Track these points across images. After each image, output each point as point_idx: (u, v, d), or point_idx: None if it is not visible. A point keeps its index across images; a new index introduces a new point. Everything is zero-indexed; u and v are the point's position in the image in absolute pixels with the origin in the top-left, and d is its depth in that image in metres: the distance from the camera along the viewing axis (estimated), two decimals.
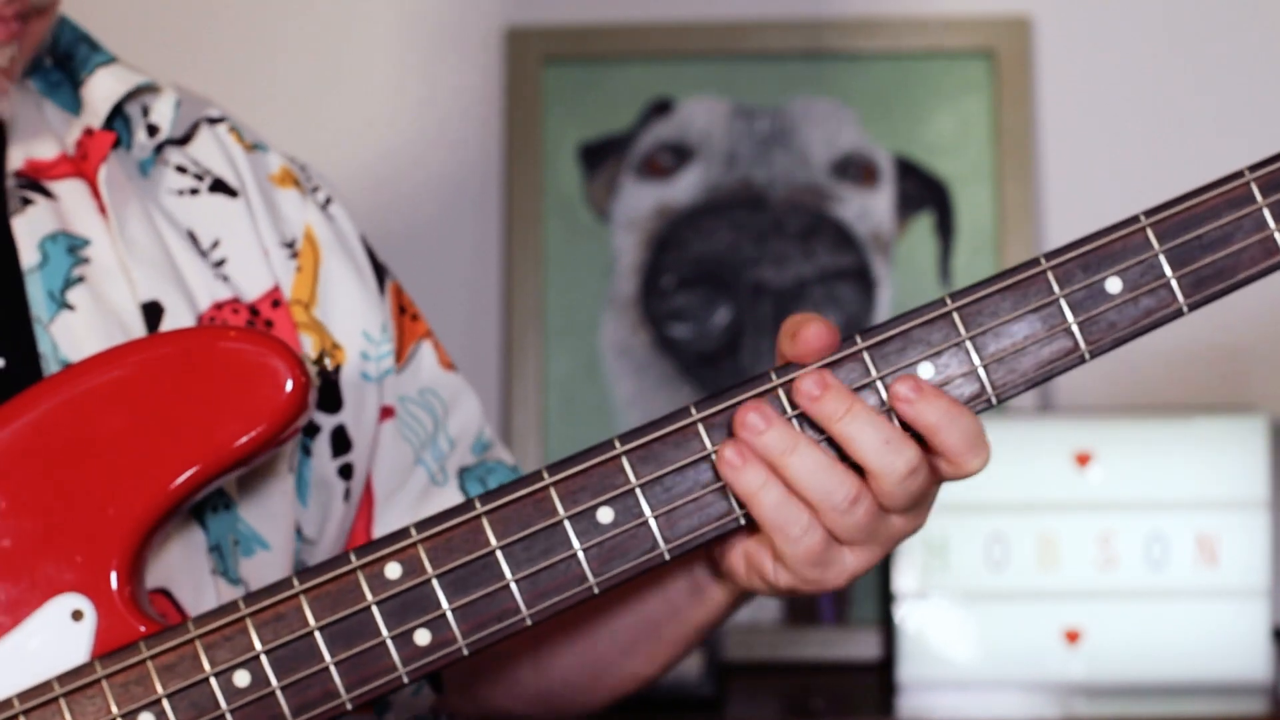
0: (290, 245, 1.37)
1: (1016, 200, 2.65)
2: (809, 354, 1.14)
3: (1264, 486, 2.46)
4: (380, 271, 1.42)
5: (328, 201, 1.41)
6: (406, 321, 1.42)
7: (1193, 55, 2.66)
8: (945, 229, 2.67)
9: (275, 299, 1.34)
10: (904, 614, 2.48)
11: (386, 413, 1.39)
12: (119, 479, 1.17)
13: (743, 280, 2.66)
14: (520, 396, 2.65)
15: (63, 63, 1.35)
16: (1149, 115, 2.66)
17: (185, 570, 1.24)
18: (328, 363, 1.28)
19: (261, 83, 2.69)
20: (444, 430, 1.41)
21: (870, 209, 2.67)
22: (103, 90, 1.32)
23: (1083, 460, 2.48)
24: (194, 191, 1.35)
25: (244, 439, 1.17)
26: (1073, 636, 2.47)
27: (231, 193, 1.36)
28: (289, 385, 1.17)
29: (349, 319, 1.37)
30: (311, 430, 1.35)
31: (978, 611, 2.47)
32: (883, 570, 2.58)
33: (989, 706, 2.43)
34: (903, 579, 2.48)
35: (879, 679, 2.54)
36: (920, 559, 2.48)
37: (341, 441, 1.37)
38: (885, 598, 2.57)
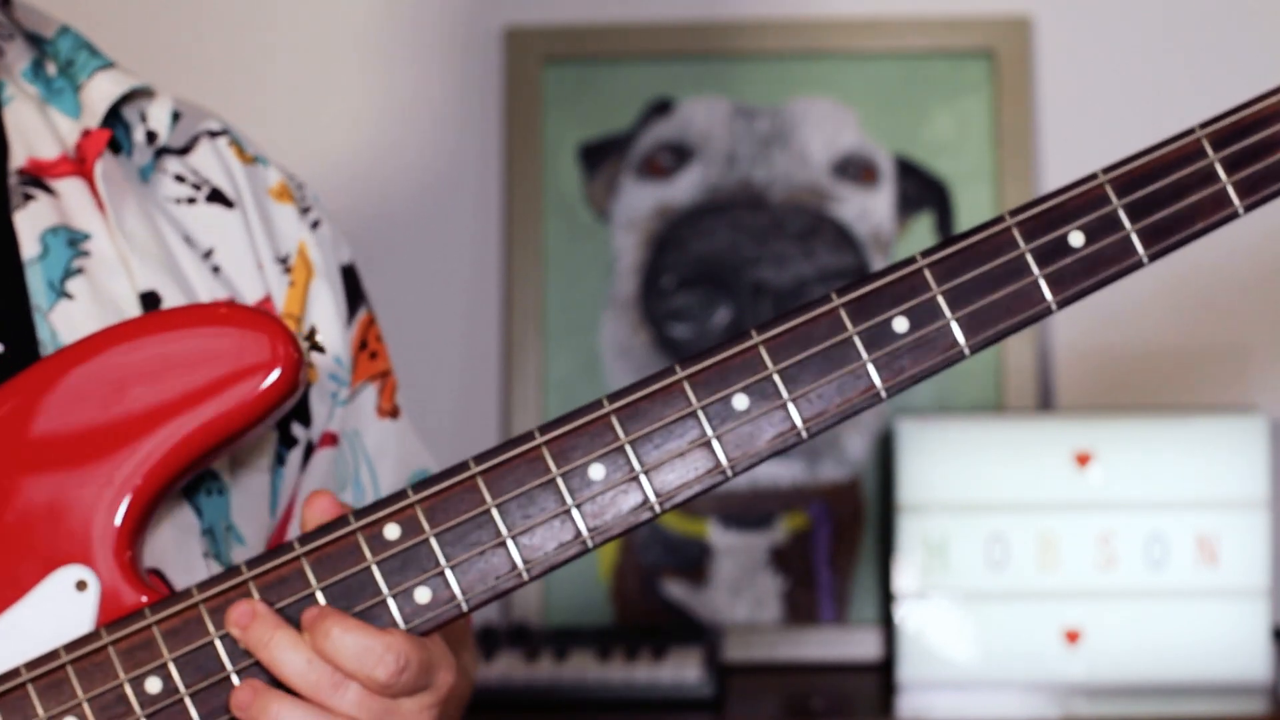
0: (284, 260, 1.39)
1: (1016, 200, 2.64)
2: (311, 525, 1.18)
3: (1264, 486, 2.46)
4: (356, 301, 1.44)
5: (316, 224, 1.42)
6: (364, 359, 1.44)
7: (1193, 55, 2.66)
8: (945, 229, 2.67)
9: (266, 310, 1.35)
10: (904, 614, 2.48)
11: (330, 439, 1.40)
12: (120, 451, 1.19)
13: (743, 280, 2.66)
14: (520, 396, 2.65)
15: (65, 70, 1.37)
16: (1149, 115, 2.66)
17: (178, 552, 1.26)
18: (320, 339, 1.30)
19: (260, 83, 2.69)
20: (367, 476, 1.43)
21: (870, 209, 2.68)
22: (100, 92, 1.34)
23: (1083, 460, 2.48)
24: (191, 200, 1.37)
25: (240, 409, 1.19)
26: (1073, 636, 2.47)
27: (228, 203, 1.38)
28: (282, 359, 1.19)
29: (325, 340, 1.39)
30: (290, 442, 1.37)
31: (978, 611, 2.47)
32: (883, 570, 2.59)
33: (989, 706, 2.43)
34: (903, 579, 2.48)
35: (879, 679, 2.54)
36: (920, 559, 2.48)
37: (308, 456, 1.39)
38: (885, 598, 2.57)
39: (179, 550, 1.26)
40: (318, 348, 1.24)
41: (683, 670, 2.42)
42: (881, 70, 2.69)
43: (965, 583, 2.47)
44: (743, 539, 2.66)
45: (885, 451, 2.59)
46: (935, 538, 2.47)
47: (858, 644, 2.61)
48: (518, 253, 2.67)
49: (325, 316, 1.39)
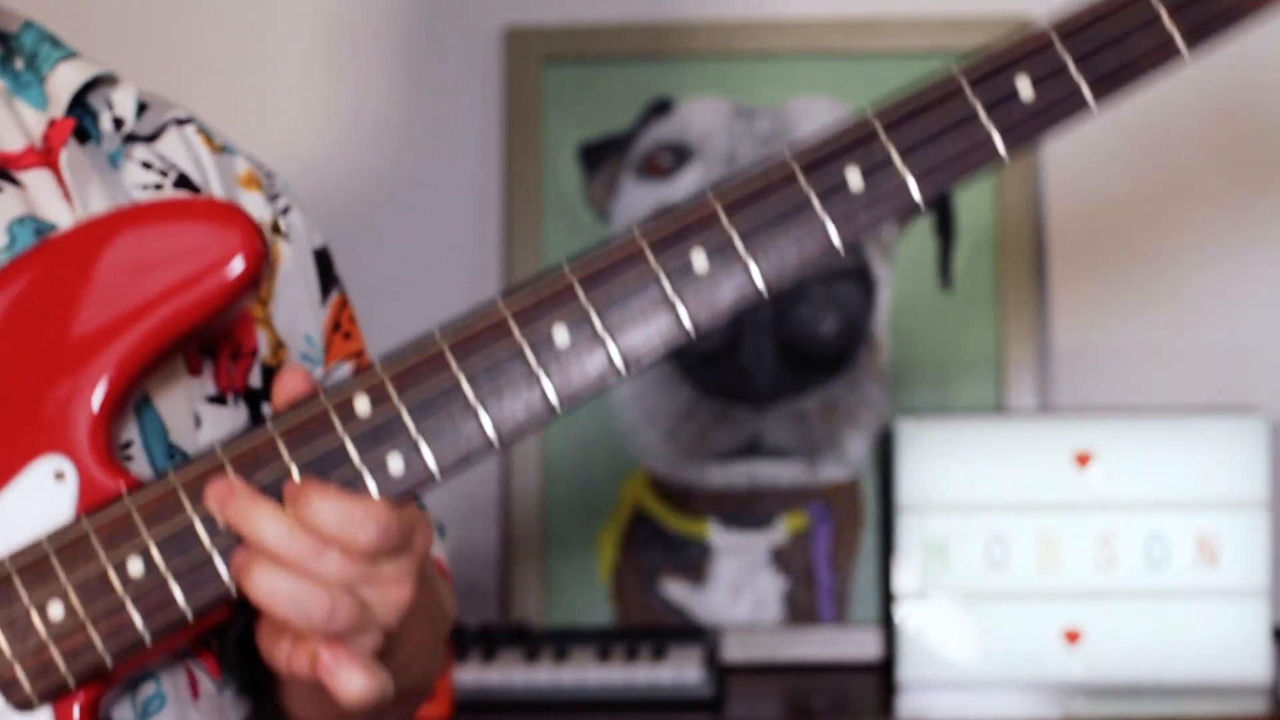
0: None
1: (1018, 199, 2.65)
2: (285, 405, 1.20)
3: (1264, 486, 2.46)
4: (329, 284, 1.45)
5: (285, 210, 1.44)
6: (338, 340, 1.45)
7: (1192, 55, 2.66)
8: (945, 229, 2.67)
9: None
10: (904, 614, 2.48)
11: None
12: (93, 338, 1.20)
13: None
14: None
15: (31, 63, 1.39)
16: (1148, 114, 2.66)
17: None
18: (284, 225, 1.32)
19: (261, 82, 2.69)
20: None
21: None
22: (63, 81, 1.35)
23: (1083, 460, 2.48)
24: (158, 187, 1.38)
25: (209, 297, 1.21)
26: (1073, 636, 2.47)
27: (195, 190, 1.39)
28: (246, 246, 1.20)
29: (295, 320, 1.40)
30: (262, 421, 1.37)
31: (978, 611, 2.47)
32: (883, 570, 2.59)
33: (989, 706, 2.43)
34: (903, 579, 2.48)
35: (879, 679, 2.54)
36: (920, 559, 2.48)
37: None
38: (885, 598, 2.57)
39: None
40: (279, 231, 1.27)
41: (683, 670, 2.42)
42: (881, 70, 2.69)
43: (965, 583, 2.47)
44: (743, 539, 2.65)
45: (885, 451, 2.59)
46: (935, 538, 2.47)
47: (858, 644, 2.61)
48: (518, 253, 2.67)
49: (295, 301, 1.40)
